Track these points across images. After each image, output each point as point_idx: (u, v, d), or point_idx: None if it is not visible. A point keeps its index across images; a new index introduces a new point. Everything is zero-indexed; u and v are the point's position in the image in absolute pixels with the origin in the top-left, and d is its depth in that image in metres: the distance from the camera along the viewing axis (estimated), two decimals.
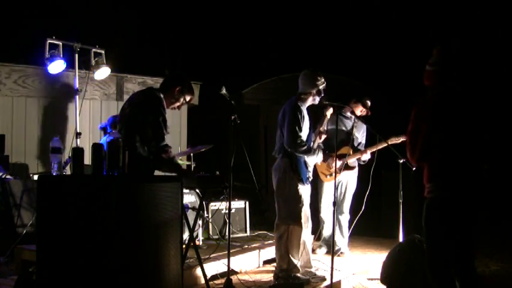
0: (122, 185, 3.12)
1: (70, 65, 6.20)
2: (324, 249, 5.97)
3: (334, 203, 4.35)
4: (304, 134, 4.66)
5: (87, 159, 3.48)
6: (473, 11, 10.04)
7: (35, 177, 5.77)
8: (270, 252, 5.43)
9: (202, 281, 4.39)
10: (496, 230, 7.19)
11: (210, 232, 6.02)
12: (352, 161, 5.74)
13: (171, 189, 3.38)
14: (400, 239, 5.13)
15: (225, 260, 4.43)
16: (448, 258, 3.26)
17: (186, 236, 4.51)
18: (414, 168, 4.03)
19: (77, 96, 6.20)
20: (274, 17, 12.12)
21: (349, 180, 5.86)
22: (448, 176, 3.26)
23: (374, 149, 5.60)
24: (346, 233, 5.88)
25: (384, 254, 5.05)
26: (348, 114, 5.80)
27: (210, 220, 5.98)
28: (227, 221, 5.35)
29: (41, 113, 7.06)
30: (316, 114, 5.33)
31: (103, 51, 6.44)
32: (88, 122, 7.31)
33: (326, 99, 4.74)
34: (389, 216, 6.60)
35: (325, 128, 5.17)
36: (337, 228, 5.70)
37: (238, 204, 6.39)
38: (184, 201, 4.45)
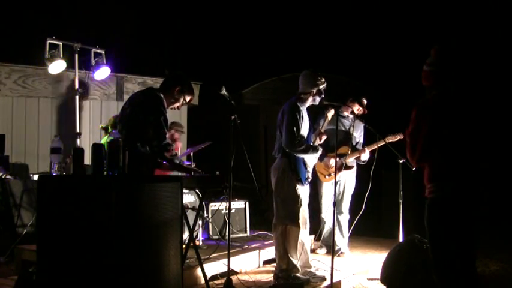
0: (122, 185, 3.12)
1: (70, 65, 6.21)
2: (324, 250, 5.97)
3: (334, 203, 4.35)
4: (303, 134, 4.66)
5: (87, 159, 3.48)
6: (472, 11, 10.03)
7: (35, 177, 5.76)
8: (270, 252, 5.43)
9: (202, 281, 4.39)
10: (496, 230, 7.18)
11: (210, 232, 6.02)
12: (351, 160, 5.74)
13: (171, 189, 3.38)
14: (400, 239, 5.14)
15: (225, 260, 4.43)
16: (453, 258, 3.26)
17: (186, 236, 4.51)
18: (414, 169, 4.02)
19: (77, 96, 6.20)
20: (275, 17, 12.11)
21: (348, 180, 5.86)
22: (449, 176, 3.25)
23: (372, 148, 5.59)
24: (346, 233, 5.88)
25: (383, 254, 5.05)
26: (345, 113, 5.80)
27: (210, 220, 5.98)
28: (227, 221, 5.34)
29: (41, 113, 7.06)
30: (316, 114, 5.34)
31: (103, 51, 6.44)
32: (88, 122, 7.31)
33: (326, 100, 4.74)
34: (389, 216, 6.61)
35: (324, 128, 5.16)
36: (337, 228, 5.69)
37: (238, 204, 6.39)
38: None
